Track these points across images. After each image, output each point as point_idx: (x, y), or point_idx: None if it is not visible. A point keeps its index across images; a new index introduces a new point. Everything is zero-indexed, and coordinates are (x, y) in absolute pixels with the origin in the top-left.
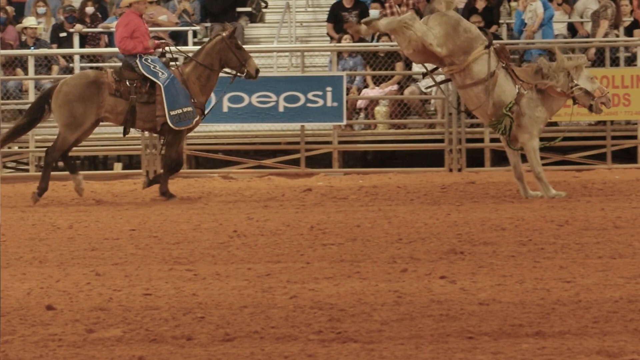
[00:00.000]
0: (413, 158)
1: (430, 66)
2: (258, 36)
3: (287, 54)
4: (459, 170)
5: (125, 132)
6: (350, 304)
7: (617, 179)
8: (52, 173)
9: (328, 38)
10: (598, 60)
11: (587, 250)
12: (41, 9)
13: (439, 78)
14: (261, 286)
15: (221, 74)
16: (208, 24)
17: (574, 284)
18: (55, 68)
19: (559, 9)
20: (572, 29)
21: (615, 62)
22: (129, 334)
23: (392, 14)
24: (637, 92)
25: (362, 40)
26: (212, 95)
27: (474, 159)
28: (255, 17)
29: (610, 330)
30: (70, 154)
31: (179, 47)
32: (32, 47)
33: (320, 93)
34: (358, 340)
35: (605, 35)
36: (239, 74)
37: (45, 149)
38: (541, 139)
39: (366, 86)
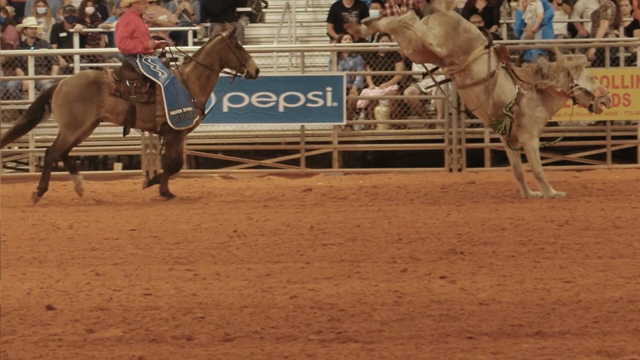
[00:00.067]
0: (413, 158)
1: (430, 66)
2: (258, 36)
3: (287, 54)
4: (459, 170)
5: (125, 132)
6: (350, 304)
7: (617, 179)
8: (52, 173)
9: (328, 38)
10: (598, 60)
11: (587, 250)
12: (41, 9)
13: (439, 78)
14: (261, 286)
15: (221, 74)
16: (208, 24)
17: (574, 284)
18: (55, 68)
19: (559, 9)
20: (572, 29)
21: (615, 62)
22: (129, 334)
23: (392, 14)
24: (637, 92)
25: (362, 40)
26: (212, 95)
27: (474, 159)
28: (255, 17)
29: (610, 330)
30: (70, 154)
31: (179, 47)
32: (32, 47)
33: (320, 93)
34: (358, 340)
35: (605, 35)
36: (239, 74)
37: (45, 149)
38: (541, 139)
39: (366, 86)
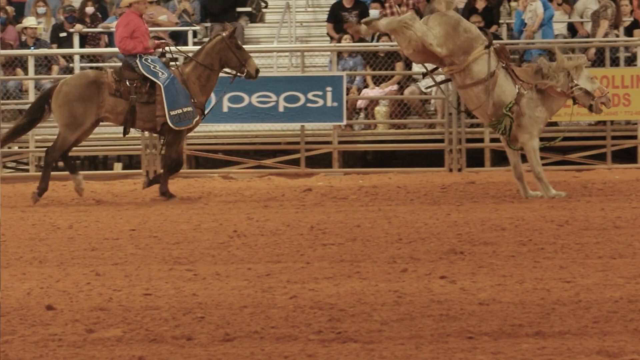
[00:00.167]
0: (413, 158)
1: (430, 66)
2: (258, 36)
3: (287, 54)
4: (459, 170)
5: (125, 132)
6: (350, 304)
7: (617, 179)
8: (52, 173)
9: (328, 38)
10: (598, 60)
11: (587, 250)
12: (41, 9)
13: (439, 78)
14: (261, 286)
15: (221, 74)
16: (208, 24)
17: (574, 284)
18: (55, 68)
19: (559, 9)
20: (572, 29)
21: (615, 62)
22: (129, 334)
23: (392, 14)
24: (637, 92)
25: (362, 40)
26: (212, 95)
27: (474, 159)
28: (255, 17)
29: (610, 330)
30: (70, 154)
31: (179, 47)
32: (32, 47)
33: (320, 93)
34: (358, 340)
35: (605, 35)
36: (239, 74)
37: (45, 149)
38: (541, 139)
39: (366, 86)
